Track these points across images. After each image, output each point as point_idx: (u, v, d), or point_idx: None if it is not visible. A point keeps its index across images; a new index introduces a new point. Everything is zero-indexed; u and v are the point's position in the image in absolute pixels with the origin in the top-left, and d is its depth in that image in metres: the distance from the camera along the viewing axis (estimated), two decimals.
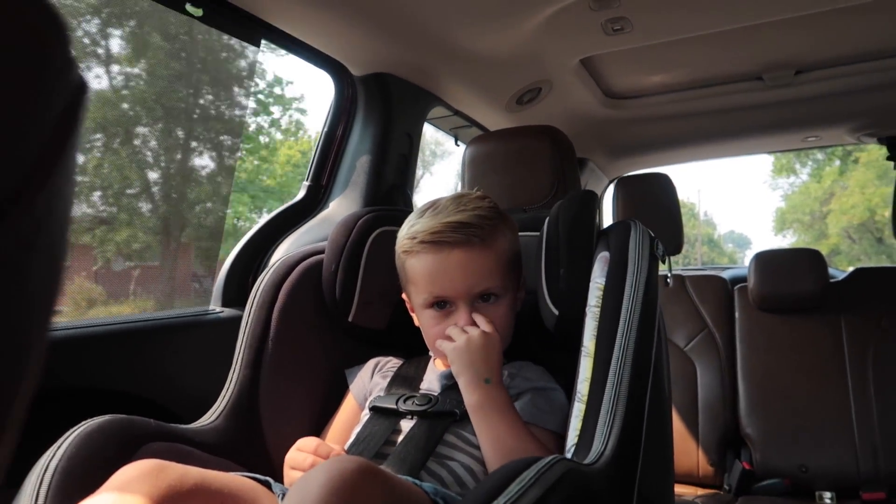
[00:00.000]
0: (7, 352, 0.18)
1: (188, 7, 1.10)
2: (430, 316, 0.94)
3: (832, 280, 2.01)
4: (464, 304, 0.92)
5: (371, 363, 1.05)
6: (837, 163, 15.88)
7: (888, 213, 2.32)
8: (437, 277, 0.91)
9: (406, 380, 0.98)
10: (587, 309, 0.84)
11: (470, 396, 0.85)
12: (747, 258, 2.14)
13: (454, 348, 0.88)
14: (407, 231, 0.96)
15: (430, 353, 1.05)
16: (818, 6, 1.40)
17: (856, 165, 15.08)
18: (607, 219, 2.46)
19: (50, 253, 0.18)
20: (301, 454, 0.80)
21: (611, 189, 2.56)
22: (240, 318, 1.05)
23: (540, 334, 1.01)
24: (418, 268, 0.93)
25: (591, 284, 0.86)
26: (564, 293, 0.90)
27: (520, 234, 1.05)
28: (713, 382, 2.00)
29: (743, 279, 2.13)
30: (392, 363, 1.05)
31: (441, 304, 0.93)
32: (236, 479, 0.73)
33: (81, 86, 0.19)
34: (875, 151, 13.52)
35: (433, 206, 0.96)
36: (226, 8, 1.15)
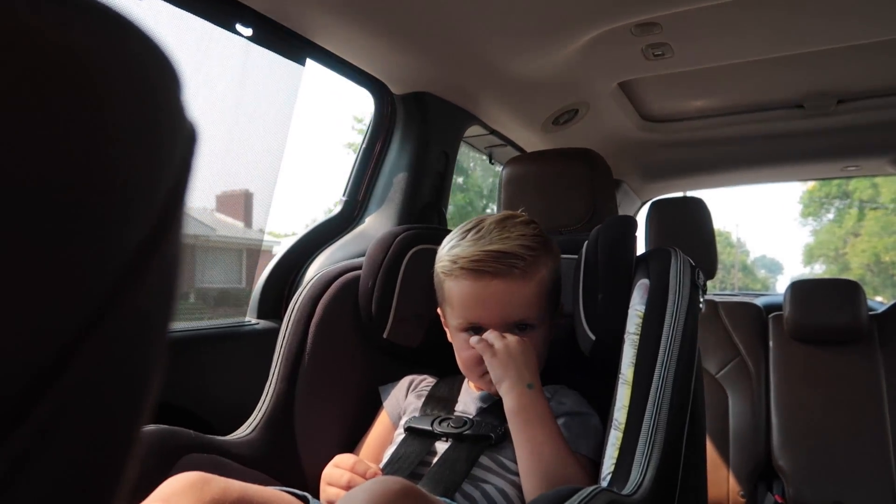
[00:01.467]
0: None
1: (238, 27, 1.13)
2: (463, 339, 0.94)
3: (871, 312, 1.97)
4: (499, 330, 0.91)
5: (405, 381, 1.05)
6: (855, 208, 18.91)
7: (888, 257, 2.31)
8: (474, 305, 0.91)
9: (441, 401, 0.99)
10: (625, 336, 0.84)
11: (512, 400, 0.83)
12: (779, 283, 2.10)
13: (495, 352, 0.86)
14: (447, 252, 0.95)
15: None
16: (861, 38, 1.38)
17: (870, 212, 18.12)
18: (639, 241, 2.44)
19: (171, 300, 0.19)
20: (338, 471, 0.81)
21: (643, 211, 2.54)
22: (275, 330, 1.07)
23: (575, 359, 1.00)
24: (456, 292, 0.93)
25: (630, 311, 0.85)
26: (602, 318, 0.90)
27: None
28: (745, 412, 1.96)
29: (778, 307, 2.09)
30: (426, 382, 1.05)
31: (476, 330, 0.93)
32: (276, 494, 0.74)
33: (193, 133, 0.20)
34: (879, 213, 17.28)
35: (477, 227, 0.95)
36: (273, 27, 1.18)
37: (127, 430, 0.18)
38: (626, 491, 0.65)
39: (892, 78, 1.68)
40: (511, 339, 0.87)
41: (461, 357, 0.95)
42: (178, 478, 0.65)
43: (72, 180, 0.15)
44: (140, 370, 0.18)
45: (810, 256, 22.05)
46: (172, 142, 0.18)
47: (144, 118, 0.17)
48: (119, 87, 0.17)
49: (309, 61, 1.30)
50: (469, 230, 0.95)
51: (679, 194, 2.44)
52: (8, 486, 0.15)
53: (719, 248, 1.89)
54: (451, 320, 0.96)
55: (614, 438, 0.76)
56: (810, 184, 18.87)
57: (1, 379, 0.14)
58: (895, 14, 1.29)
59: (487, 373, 0.90)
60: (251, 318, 1.33)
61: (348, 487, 0.78)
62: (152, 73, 0.18)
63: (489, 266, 0.89)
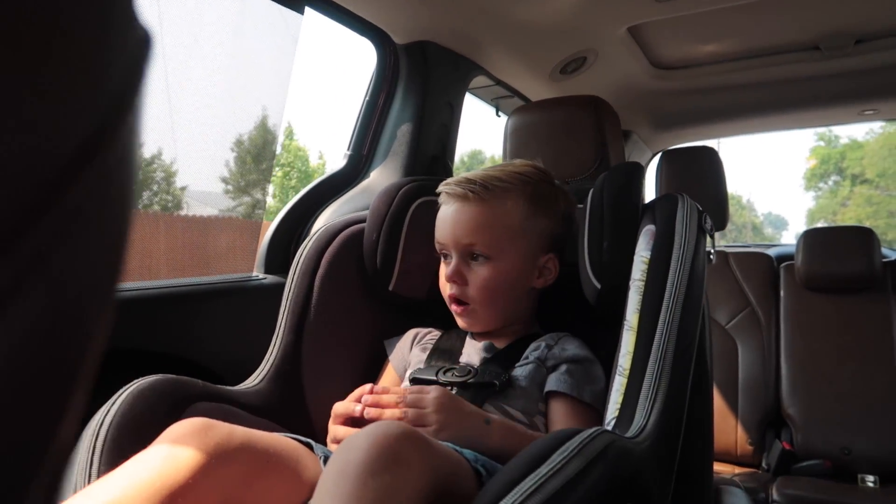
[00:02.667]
0: (83, 306, 0.18)
1: None
2: (442, 265, 1.01)
3: (885, 259, 1.94)
4: (455, 255, 0.96)
5: (410, 334, 1.06)
6: (848, 180, 23.17)
7: (868, 223, 2.33)
8: (439, 225, 0.99)
9: (445, 352, 0.99)
10: (630, 283, 0.83)
11: (490, 447, 0.76)
12: (784, 239, 2.08)
13: (430, 426, 0.76)
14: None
15: None
16: None
17: (858, 186, 22.23)
18: (649, 192, 2.41)
19: (119, 208, 0.18)
20: (343, 405, 0.82)
21: (654, 162, 2.50)
22: (282, 285, 1.07)
23: (580, 307, 1.00)
24: (437, 217, 1.01)
25: (635, 258, 0.84)
26: (607, 266, 0.89)
27: None
28: (755, 361, 1.97)
29: (789, 257, 2.07)
30: (431, 335, 1.06)
31: (445, 256, 0.99)
32: (280, 440, 0.75)
33: (146, 40, 0.19)
34: (864, 187, 21.60)
35: (485, 168, 1.01)
36: None
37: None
38: (628, 434, 0.65)
39: None
40: (435, 391, 0.79)
41: (440, 283, 1.02)
42: (182, 423, 0.66)
43: (8, 70, 0.14)
44: (78, 281, 0.17)
45: (811, 219, 26.22)
46: (119, 43, 0.17)
47: (88, 15, 0.17)
48: None
49: (308, 10, 1.27)
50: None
51: (691, 144, 2.40)
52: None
53: (731, 209, 1.87)
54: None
55: (618, 384, 0.76)
56: (812, 163, 23.90)
57: None
58: None
59: (451, 298, 0.96)
60: (258, 273, 1.33)
61: (353, 420, 0.81)
62: None
63: (450, 188, 0.97)
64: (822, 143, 23.87)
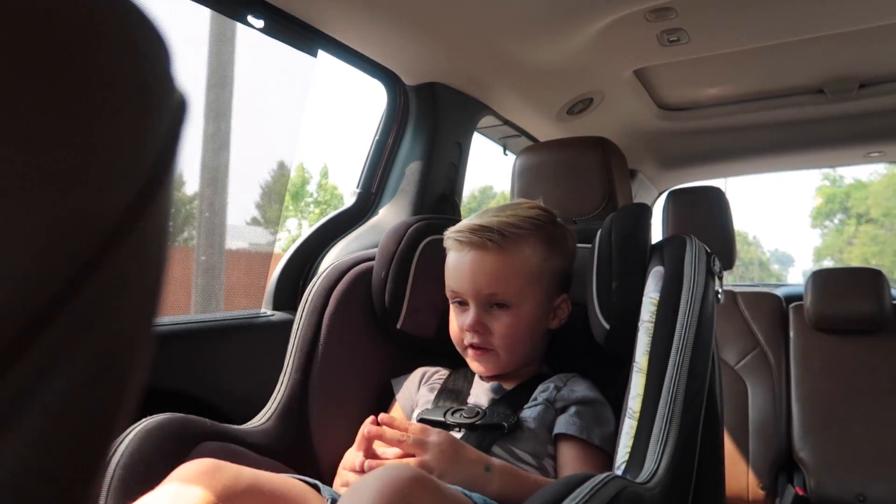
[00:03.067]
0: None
1: (250, 19, 1.14)
2: (452, 310, 1.00)
3: (894, 301, 1.93)
4: (474, 304, 0.95)
5: (418, 373, 1.05)
6: (853, 219, 24.13)
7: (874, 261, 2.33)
8: (454, 274, 0.97)
9: (453, 392, 0.99)
10: (640, 324, 0.83)
11: (490, 493, 0.75)
12: (790, 276, 2.08)
13: (435, 467, 0.75)
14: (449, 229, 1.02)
15: None
16: (884, 19, 1.35)
17: (864, 225, 23.39)
18: (656, 231, 2.41)
19: (156, 270, 0.19)
20: (353, 454, 0.81)
21: (660, 202, 2.52)
22: (290, 322, 1.07)
23: (589, 348, 0.99)
24: (447, 263, 1.00)
25: (644, 299, 0.84)
26: (616, 307, 0.89)
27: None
28: (765, 403, 1.94)
29: (798, 297, 2.06)
30: (439, 374, 1.05)
31: (460, 302, 0.98)
32: (287, 481, 0.74)
33: (183, 104, 0.20)
34: (869, 227, 22.80)
35: (486, 209, 1.00)
36: (285, 19, 1.18)
37: (108, 401, 0.18)
38: (639, 479, 0.64)
39: None
40: (436, 436, 0.78)
41: (450, 328, 1.01)
42: (191, 464, 0.66)
43: (61, 141, 0.15)
44: (119, 339, 0.18)
45: (819, 256, 26.92)
46: (159, 109, 0.18)
47: (131, 86, 0.18)
48: (109, 56, 0.17)
49: (321, 53, 1.30)
50: (479, 213, 1.00)
51: (698, 184, 2.41)
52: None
53: (738, 246, 1.87)
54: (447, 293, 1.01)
55: (628, 427, 0.75)
56: (818, 201, 24.91)
57: None
58: None
59: (472, 346, 0.95)
60: (266, 310, 1.34)
61: (363, 470, 0.78)
62: (142, 43, 0.18)
63: (465, 236, 0.95)
64: (827, 183, 24.77)
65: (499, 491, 0.76)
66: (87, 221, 0.15)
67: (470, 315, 0.94)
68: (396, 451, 0.77)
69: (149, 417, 0.79)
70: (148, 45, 0.18)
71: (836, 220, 25.52)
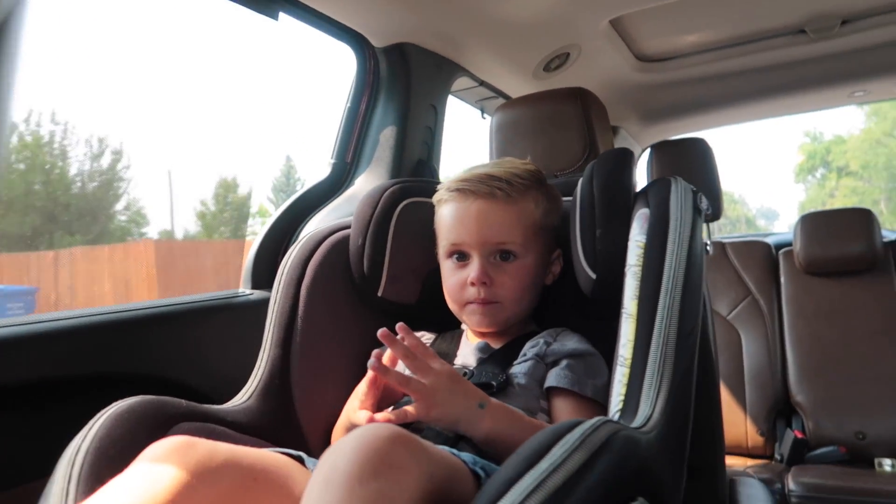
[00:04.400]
0: None
1: None
2: (448, 267, 0.96)
3: (885, 240, 1.91)
4: (479, 256, 0.91)
5: None
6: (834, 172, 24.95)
7: None
8: (457, 225, 0.93)
9: (440, 355, 0.95)
10: (626, 269, 0.79)
11: (480, 431, 0.74)
12: (775, 229, 2.07)
13: (423, 398, 0.75)
14: (443, 184, 0.98)
15: (462, 327, 1.02)
16: None
17: (844, 178, 24.10)
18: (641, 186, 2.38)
19: None
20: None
21: (644, 158, 2.48)
22: (269, 300, 1.03)
23: (576, 301, 0.96)
24: (443, 215, 0.96)
25: (629, 243, 0.81)
26: (601, 254, 0.86)
27: None
28: (759, 351, 1.93)
29: (788, 244, 2.04)
30: (425, 339, 1.02)
31: (460, 256, 0.94)
32: (268, 455, 0.71)
33: None
34: (849, 179, 23.54)
35: (477, 165, 0.98)
36: None
37: None
38: (634, 424, 0.61)
39: None
40: (438, 370, 0.77)
41: (446, 285, 0.97)
42: (162, 442, 0.63)
43: None
44: None
45: (803, 209, 27.71)
46: None
47: None
48: None
49: (283, 15, 1.24)
50: (472, 168, 0.97)
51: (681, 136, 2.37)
52: None
53: (724, 204, 1.84)
54: (440, 248, 0.97)
55: (621, 375, 0.72)
56: (801, 158, 25.89)
57: None
58: None
59: (477, 301, 0.91)
60: (245, 289, 1.30)
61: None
62: None
63: (473, 185, 0.92)
64: (808, 140, 25.99)
65: (490, 428, 0.74)
66: None
67: (475, 267, 0.91)
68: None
69: (120, 401, 0.75)
70: None
71: (818, 175, 26.63)
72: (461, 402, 0.75)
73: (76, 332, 0.96)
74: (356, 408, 0.85)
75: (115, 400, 0.77)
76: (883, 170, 22.77)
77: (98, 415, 0.73)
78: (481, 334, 0.97)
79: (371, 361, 0.77)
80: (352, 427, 0.86)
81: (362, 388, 0.85)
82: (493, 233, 0.91)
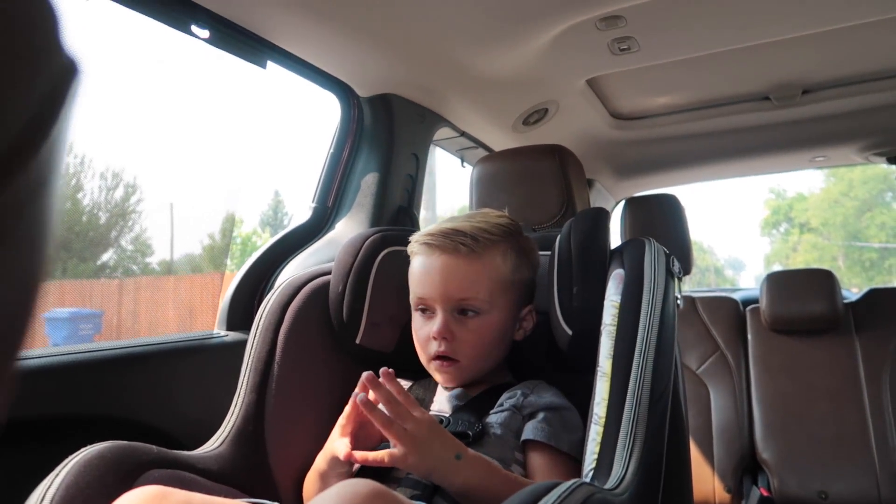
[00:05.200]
0: None
1: (194, 28, 1.10)
2: (416, 319, 0.96)
3: (845, 301, 1.98)
4: (442, 310, 0.91)
5: None
6: (796, 228, 27.10)
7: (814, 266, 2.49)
8: (423, 279, 0.93)
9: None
10: (602, 328, 0.82)
11: (455, 482, 0.75)
12: (742, 279, 2.14)
13: (402, 444, 0.75)
14: (414, 236, 0.99)
15: None
16: (825, 24, 1.39)
17: (805, 234, 26.29)
18: (614, 240, 2.44)
19: (33, 241, 0.16)
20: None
21: (618, 211, 2.54)
22: (245, 342, 1.03)
23: (552, 355, 0.98)
24: (413, 268, 0.97)
25: (605, 302, 0.83)
26: (578, 311, 0.88)
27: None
28: (727, 406, 1.96)
29: (754, 300, 2.10)
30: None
31: (425, 310, 0.94)
32: None
33: (70, 69, 0.18)
34: (810, 235, 25.42)
35: (452, 217, 0.98)
36: (232, 30, 1.15)
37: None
38: (608, 485, 0.63)
39: (855, 66, 1.70)
40: (419, 418, 0.77)
41: (415, 337, 0.97)
42: (135, 492, 0.62)
43: None
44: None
45: (768, 261, 29.97)
46: (39, 69, 0.16)
47: (6, 37, 0.15)
48: None
49: (271, 64, 1.27)
50: (446, 220, 0.97)
51: (654, 192, 2.45)
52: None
53: (694, 254, 1.90)
54: (411, 300, 0.98)
55: (595, 433, 0.74)
56: (766, 213, 27.60)
57: None
58: None
59: (437, 357, 0.92)
60: (220, 330, 1.29)
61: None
62: (16, 4, 0.16)
63: (437, 240, 0.92)
64: (773, 196, 27.68)
65: (466, 480, 0.74)
66: None
67: (437, 321, 0.91)
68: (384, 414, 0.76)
69: (89, 447, 0.74)
70: (23, 7, 0.16)
71: (781, 229, 28.31)
72: (438, 452, 0.75)
73: (43, 372, 0.94)
74: (335, 439, 0.86)
75: (81, 442, 0.75)
76: (840, 227, 24.22)
77: (66, 461, 0.71)
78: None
79: (360, 396, 0.77)
80: (330, 457, 0.86)
81: (342, 420, 0.85)
82: (455, 288, 0.90)
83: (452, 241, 0.90)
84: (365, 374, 0.78)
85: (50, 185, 0.16)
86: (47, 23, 0.17)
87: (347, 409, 0.85)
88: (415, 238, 0.97)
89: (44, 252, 0.17)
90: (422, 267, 0.94)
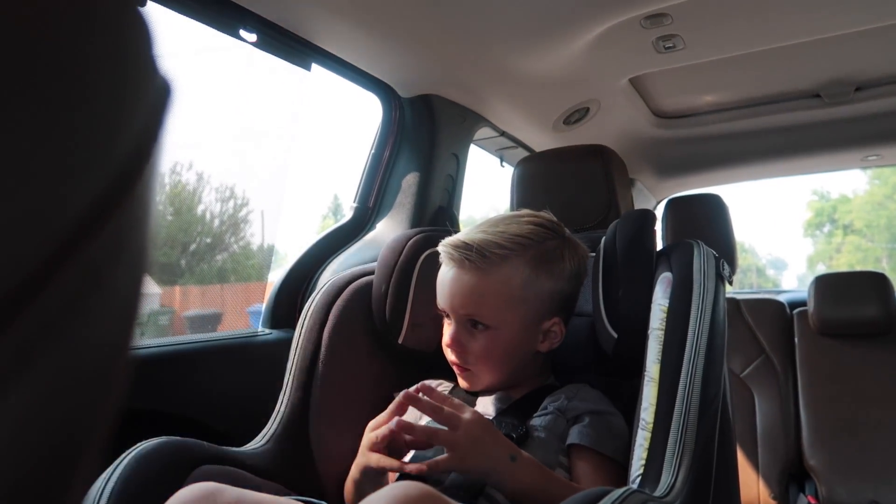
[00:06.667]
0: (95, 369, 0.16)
1: (242, 33, 1.12)
2: (445, 324, 0.96)
3: None
4: (455, 321, 0.91)
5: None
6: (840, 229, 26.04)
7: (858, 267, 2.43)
8: (439, 288, 0.94)
9: None
10: (650, 332, 0.80)
11: (509, 484, 0.74)
12: (784, 279, 2.08)
13: (454, 449, 0.74)
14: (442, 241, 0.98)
15: None
16: (878, 21, 1.34)
17: (849, 235, 25.34)
18: (657, 240, 2.39)
19: (133, 267, 0.17)
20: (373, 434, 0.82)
21: (659, 210, 2.50)
22: (288, 340, 1.05)
23: (597, 358, 0.97)
24: (438, 275, 0.96)
25: (653, 306, 0.82)
26: (624, 315, 0.87)
27: None
28: (773, 411, 1.91)
29: (801, 303, 2.04)
30: (442, 387, 1.02)
31: (446, 316, 0.94)
32: None
33: (166, 90, 0.18)
34: (854, 237, 24.82)
35: (486, 220, 0.96)
36: (278, 33, 1.17)
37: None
38: (657, 493, 0.62)
39: None
40: (469, 414, 0.76)
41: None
42: (189, 489, 0.63)
43: (24, 124, 0.13)
44: (91, 344, 0.15)
45: (811, 262, 29.31)
46: (137, 95, 0.16)
47: (106, 69, 0.16)
48: (81, 37, 0.15)
49: (315, 66, 1.28)
50: (477, 225, 0.96)
51: (696, 191, 2.40)
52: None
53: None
54: None
55: (642, 439, 0.73)
56: (809, 215, 27.04)
57: None
58: None
59: (460, 365, 0.91)
60: (264, 329, 1.31)
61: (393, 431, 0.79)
62: (118, 23, 0.17)
63: (450, 252, 0.91)
64: (815, 198, 27.13)
65: (520, 482, 0.73)
66: (55, 213, 0.13)
67: (449, 331, 0.91)
68: (427, 419, 0.76)
69: (143, 442, 0.76)
70: (125, 26, 0.17)
71: (825, 230, 27.86)
72: (492, 452, 0.74)
73: None
74: (365, 453, 0.85)
75: (134, 436, 0.78)
76: (885, 230, 24.36)
77: (123, 455, 0.74)
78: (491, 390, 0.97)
79: (396, 421, 0.78)
80: (363, 467, 0.86)
81: (381, 432, 0.83)
82: (459, 302, 0.90)
83: (460, 254, 0.89)
84: (403, 393, 0.78)
85: (149, 211, 0.17)
86: (145, 42, 0.17)
87: (379, 428, 0.83)
88: (441, 242, 0.95)
89: (145, 268, 0.17)
90: (440, 275, 0.94)
